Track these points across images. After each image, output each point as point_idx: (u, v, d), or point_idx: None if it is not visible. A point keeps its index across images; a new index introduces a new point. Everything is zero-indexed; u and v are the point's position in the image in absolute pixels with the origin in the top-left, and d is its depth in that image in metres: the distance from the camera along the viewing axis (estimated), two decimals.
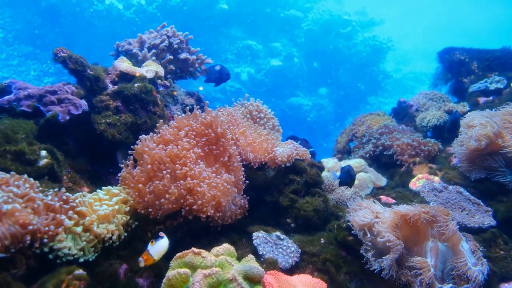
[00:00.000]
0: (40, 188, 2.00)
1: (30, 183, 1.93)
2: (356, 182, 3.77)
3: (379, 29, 19.80)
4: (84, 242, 1.93)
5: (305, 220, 2.71)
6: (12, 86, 2.68)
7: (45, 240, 1.80)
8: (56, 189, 2.06)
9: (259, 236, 2.38)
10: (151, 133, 2.62)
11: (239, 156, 2.78)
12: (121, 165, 2.51)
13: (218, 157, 2.62)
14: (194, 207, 2.22)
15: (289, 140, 3.20)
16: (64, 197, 2.03)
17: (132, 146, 2.52)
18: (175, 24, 3.97)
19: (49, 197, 1.95)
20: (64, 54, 2.84)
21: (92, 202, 2.16)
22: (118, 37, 4.17)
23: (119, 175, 2.49)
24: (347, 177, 2.92)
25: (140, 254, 2.15)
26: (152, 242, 1.88)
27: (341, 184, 3.06)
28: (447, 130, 3.37)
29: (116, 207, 2.18)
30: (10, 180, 1.84)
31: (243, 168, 2.73)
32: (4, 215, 1.66)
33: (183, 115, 2.73)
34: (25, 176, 1.97)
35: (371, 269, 2.19)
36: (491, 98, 4.61)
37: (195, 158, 2.42)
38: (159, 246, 1.89)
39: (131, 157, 2.51)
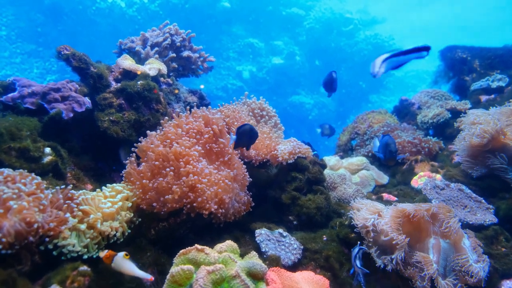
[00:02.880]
0: (45, 186, 2.01)
1: (37, 181, 1.94)
2: (358, 180, 3.78)
3: (381, 27, 19.78)
4: (88, 239, 1.94)
5: (308, 217, 2.72)
6: (16, 84, 2.70)
7: (47, 239, 1.81)
8: (63, 186, 2.08)
9: (261, 233, 2.40)
10: (158, 130, 2.63)
11: (238, 152, 2.79)
12: (125, 162, 2.52)
13: (219, 155, 2.63)
14: (195, 204, 2.23)
15: (292, 138, 3.21)
16: (70, 195, 2.05)
17: (135, 144, 2.54)
18: (177, 22, 3.99)
19: (55, 195, 1.96)
20: (67, 52, 2.85)
21: (99, 199, 2.17)
22: (121, 35, 4.18)
23: (123, 172, 2.50)
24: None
25: (144, 251, 2.18)
26: (127, 255, 1.78)
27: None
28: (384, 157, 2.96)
29: (120, 204, 2.20)
30: (16, 177, 1.86)
31: (244, 166, 2.74)
32: (11, 212, 1.68)
33: (179, 112, 2.74)
34: (33, 174, 1.98)
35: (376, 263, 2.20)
36: (493, 96, 4.61)
37: (198, 156, 2.44)
38: (125, 264, 1.77)
39: (134, 154, 2.52)
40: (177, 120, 2.66)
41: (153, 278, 1.80)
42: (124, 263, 1.77)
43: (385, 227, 2.18)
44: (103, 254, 1.80)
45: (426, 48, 1.73)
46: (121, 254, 1.78)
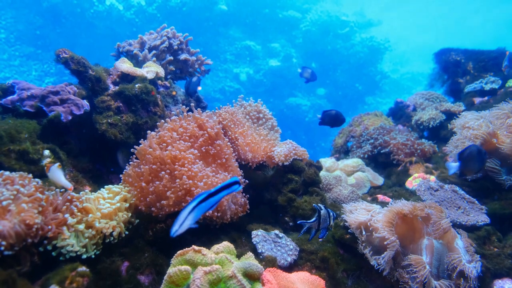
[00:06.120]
0: (44, 188, 2.04)
1: (37, 186, 1.97)
2: (354, 181, 3.82)
3: (377, 30, 19.86)
4: (87, 239, 1.97)
5: (303, 218, 2.75)
6: (15, 87, 2.72)
7: (45, 242, 1.84)
8: (63, 189, 2.10)
9: (258, 235, 2.43)
10: (155, 133, 2.65)
11: (235, 155, 2.82)
12: (126, 164, 2.54)
13: (216, 157, 2.65)
14: None
15: (288, 140, 3.25)
16: (69, 197, 2.08)
17: (135, 146, 2.55)
18: (174, 25, 4.02)
19: (54, 197, 1.99)
20: (66, 55, 2.88)
21: (98, 200, 2.20)
22: (119, 37, 4.21)
23: (122, 173, 2.52)
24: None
25: (142, 252, 2.20)
26: (60, 165, 2.12)
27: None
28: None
29: (118, 205, 2.23)
30: (15, 179, 1.88)
31: (239, 168, 2.77)
32: (10, 214, 1.70)
33: (175, 117, 2.77)
34: (32, 176, 2.01)
35: (370, 264, 2.23)
36: (486, 98, 4.66)
37: (193, 158, 2.46)
38: (56, 173, 2.10)
39: (133, 156, 2.54)
40: (172, 123, 2.69)
41: (72, 188, 2.11)
42: (55, 172, 2.09)
43: (377, 225, 2.21)
44: (45, 161, 2.17)
45: (236, 182, 1.72)
46: (57, 164, 2.10)
